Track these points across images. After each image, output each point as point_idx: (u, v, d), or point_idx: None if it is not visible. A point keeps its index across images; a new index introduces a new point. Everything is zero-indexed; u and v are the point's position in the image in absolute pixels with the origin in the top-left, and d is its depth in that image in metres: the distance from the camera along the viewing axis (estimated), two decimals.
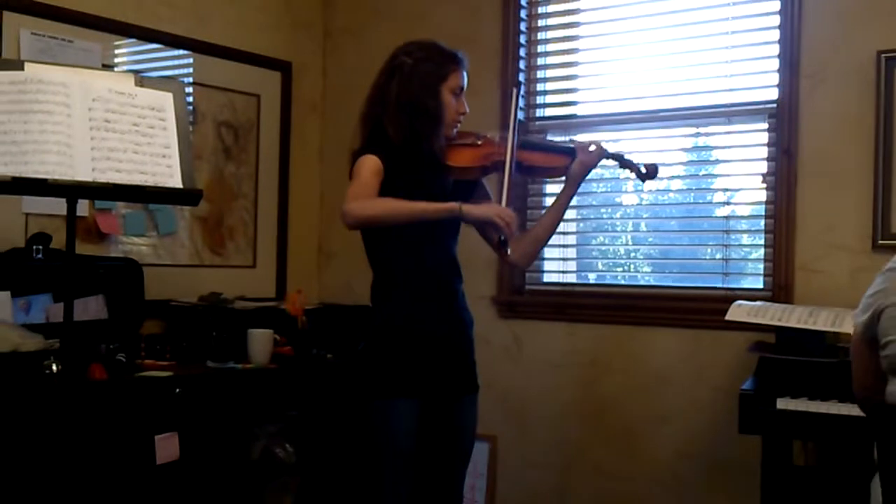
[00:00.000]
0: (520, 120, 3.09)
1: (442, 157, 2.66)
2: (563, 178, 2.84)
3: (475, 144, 2.73)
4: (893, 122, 3.13)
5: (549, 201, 3.85)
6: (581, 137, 3.90)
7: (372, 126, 2.68)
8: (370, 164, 2.57)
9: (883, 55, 3.14)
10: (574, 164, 2.73)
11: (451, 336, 2.66)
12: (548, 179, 3.78)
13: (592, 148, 2.73)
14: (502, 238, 2.57)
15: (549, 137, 3.92)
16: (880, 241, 3.14)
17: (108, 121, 2.71)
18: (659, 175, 2.76)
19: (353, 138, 2.71)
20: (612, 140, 3.86)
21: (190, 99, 3.84)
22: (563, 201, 2.77)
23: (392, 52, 2.71)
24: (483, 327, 3.74)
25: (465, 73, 2.69)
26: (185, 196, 2.87)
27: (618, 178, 3.83)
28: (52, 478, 2.69)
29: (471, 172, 2.70)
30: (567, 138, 3.90)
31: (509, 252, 2.71)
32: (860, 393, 2.25)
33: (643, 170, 2.73)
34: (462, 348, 2.70)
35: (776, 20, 3.38)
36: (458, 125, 2.72)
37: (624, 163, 2.76)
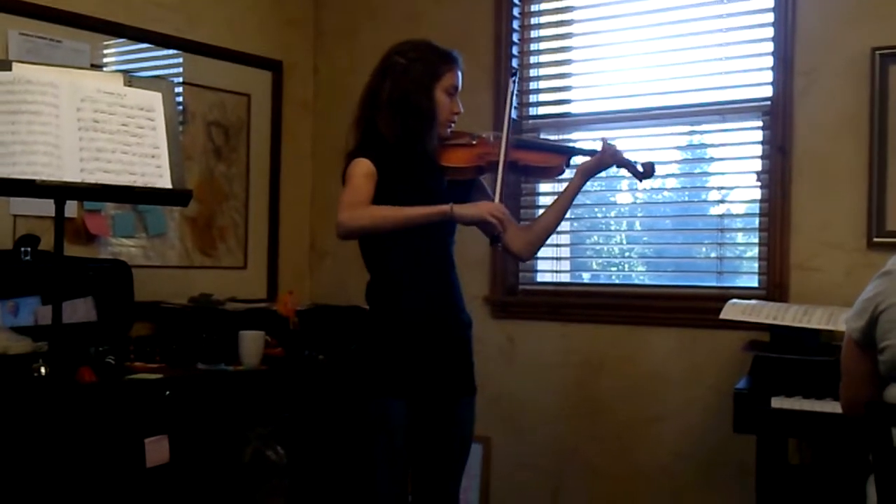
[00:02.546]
0: (514, 119, 3.08)
1: (436, 157, 2.64)
2: (559, 177, 2.84)
3: (470, 144, 2.71)
4: (888, 118, 3.12)
5: (542, 199, 3.87)
6: (576, 136, 3.90)
7: (365, 127, 2.66)
8: (362, 168, 2.56)
9: (877, 52, 3.12)
10: (590, 160, 2.71)
11: (449, 337, 2.65)
12: (542, 179, 3.76)
13: (612, 150, 2.70)
14: (495, 234, 2.54)
15: (543, 136, 3.91)
16: (875, 239, 3.13)
17: (97, 121, 2.68)
18: (655, 173, 2.74)
19: (347, 140, 2.69)
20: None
21: (180, 99, 3.81)
22: (570, 192, 2.74)
23: (385, 52, 2.69)
24: (476, 327, 3.70)
25: (459, 73, 2.67)
26: (174, 197, 2.84)
27: (611, 176, 3.81)
28: (41, 481, 2.66)
29: (465, 172, 2.68)
30: (560, 137, 3.90)
31: (510, 247, 2.73)
32: (850, 408, 2.22)
33: (640, 168, 2.71)
34: (459, 349, 2.69)
35: (770, 17, 3.36)
36: (453, 125, 2.70)
37: (623, 164, 2.73)
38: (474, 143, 2.71)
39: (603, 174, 3.59)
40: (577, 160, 2.76)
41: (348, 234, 2.51)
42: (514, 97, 2.73)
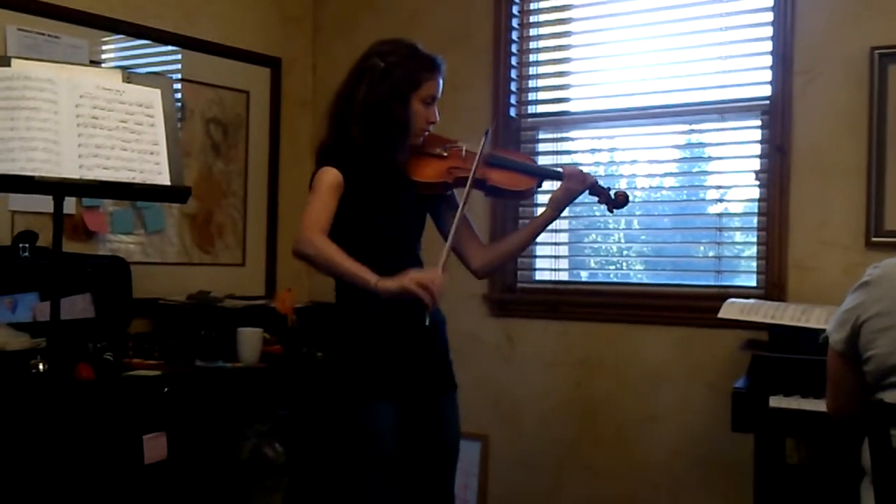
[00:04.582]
0: (513, 116, 3.03)
1: (405, 169, 2.59)
2: (528, 199, 2.80)
3: (440, 156, 2.64)
4: (886, 118, 3.11)
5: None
6: (574, 134, 3.90)
7: (337, 126, 2.61)
8: (329, 179, 2.51)
9: (876, 51, 3.12)
10: (558, 190, 2.66)
11: (419, 335, 2.57)
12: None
13: (581, 177, 2.65)
14: (423, 307, 2.34)
15: (541, 134, 3.92)
16: (873, 239, 3.13)
17: (96, 117, 2.67)
18: (629, 203, 2.70)
19: (319, 134, 2.66)
20: (604, 137, 3.86)
21: (178, 95, 3.80)
22: (540, 223, 2.70)
23: (365, 50, 2.61)
24: (474, 326, 3.72)
25: (440, 81, 2.59)
26: (173, 193, 2.84)
27: (610, 175, 3.82)
28: (39, 478, 2.66)
29: (432, 188, 2.63)
30: (558, 135, 3.90)
31: (469, 262, 2.70)
32: (837, 413, 2.23)
33: (612, 196, 2.68)
34: (435, 348, 2.66)
35: (769, 16, 3.36)
36: (427, 133, 2.64)
37: (595, 191, 2.68)
38: (445, 154, 2.64)
39: (602, 169, 3.62)
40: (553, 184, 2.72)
41: (298, 255, 2.49)
42: (484, 148, 2.61)
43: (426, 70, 2.56)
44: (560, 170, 2.69)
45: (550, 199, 2.68)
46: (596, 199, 2.70)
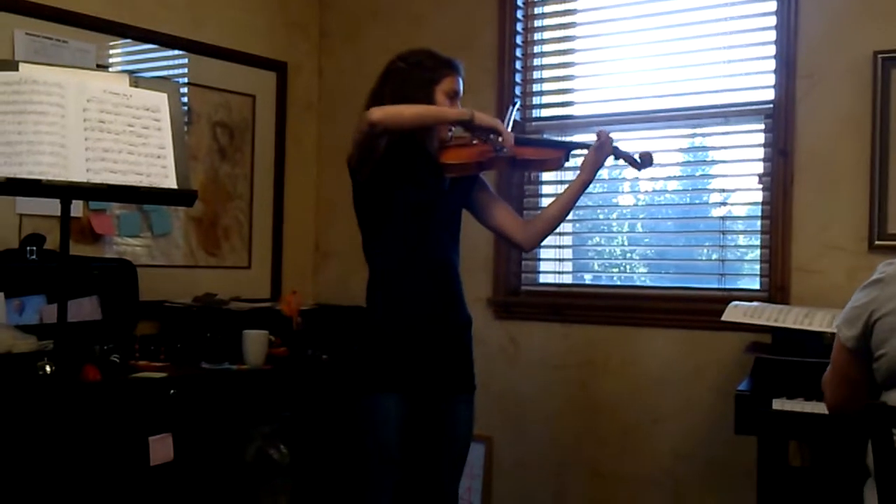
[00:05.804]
0: (517, 120, 3.08)
1: (436, 156, 2.67)
2: (558, 168, 2.93)
3: (470, 143, 2.74)
4: (890, 122, 3.12)
5: (545, 201, 3.89)
6: (578, 138, 3.90)
7: None
8: None
9: (879, 56, 3.13)
10: (590, 153, 2.77)
11: (444, 334, 2.67)
12: (542, 170, 3.78)
13: (609, 140, 2.77)
14: (497, 149, 2.63)
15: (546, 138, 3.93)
16: (876, 242, 3.13)
17: (103, 121, 2.69)
18: (654, 163, 2.82)
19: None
20: None
21: (185, 99, 3.83)
22: (578, 186, 2.79)
23: (389, 59, 2.75)
24: (479, 328, 3.71)
25: (460, 80, 2.72)
26: (179, 197, 2.86)
27: (614, 178, 3.83)
28: (45, 479, 2.68)
29: (466, 168, 2.70)
30: (563, 139, 3.91)
31: (513, 236, 2.82)
32: (837, 407, 2.22)
33: (638, 159, 2.79)
34: (456, 347, 2.70)
35: (773, 20, 3.37)
36: (453, 129, 2.72)
37: (620, 155, 2.81)
38: (475, 142, 2.74)
39: (604, 174, 3.65)
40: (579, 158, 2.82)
41: (378, 124, 2.50)
42: (513, 119, 2.80)
43: (446, 67, 2.70)
44: (584, 142, 2.85)
45: (583, 164, 2.79)
46: (622, 161, 2.85)
